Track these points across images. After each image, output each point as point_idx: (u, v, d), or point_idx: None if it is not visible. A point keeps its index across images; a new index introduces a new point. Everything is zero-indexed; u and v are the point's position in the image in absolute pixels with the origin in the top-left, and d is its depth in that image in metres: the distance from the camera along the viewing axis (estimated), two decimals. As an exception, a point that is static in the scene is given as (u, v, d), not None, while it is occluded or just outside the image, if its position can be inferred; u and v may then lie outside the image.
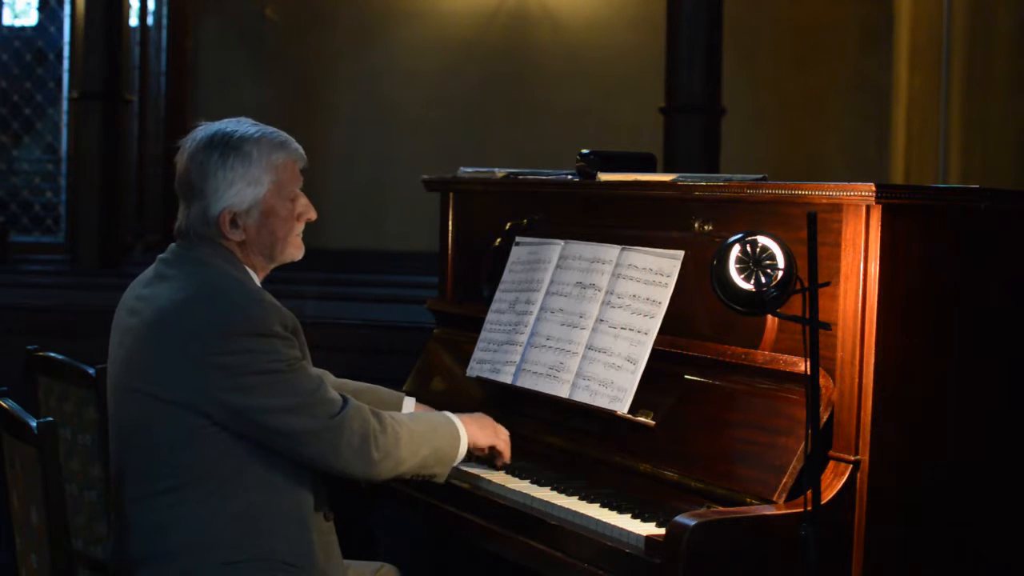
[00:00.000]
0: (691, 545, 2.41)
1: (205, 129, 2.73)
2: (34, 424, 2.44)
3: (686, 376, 2.93)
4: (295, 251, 2.80)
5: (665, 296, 2.98)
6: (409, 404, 3.24)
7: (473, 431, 2.96)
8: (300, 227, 2.79)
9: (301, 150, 2.79)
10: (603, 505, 2.79)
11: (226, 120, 2.77)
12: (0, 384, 2.77)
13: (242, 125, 2.74)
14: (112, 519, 2.79)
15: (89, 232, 8.06)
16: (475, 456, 3.02)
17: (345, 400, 2.69)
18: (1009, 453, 2.77)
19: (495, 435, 3.02)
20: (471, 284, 3.76)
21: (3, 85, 9.94)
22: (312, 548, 2.70)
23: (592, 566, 2.63)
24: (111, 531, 2.81)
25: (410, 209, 9.60)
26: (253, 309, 2.61)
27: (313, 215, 2.79)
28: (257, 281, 2.76)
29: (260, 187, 2.69)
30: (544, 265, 3.35)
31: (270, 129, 2.77)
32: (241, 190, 2.68)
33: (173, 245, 2.76)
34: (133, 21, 9.54)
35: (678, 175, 3.17)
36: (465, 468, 3.03)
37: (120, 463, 2.70)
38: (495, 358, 3.35)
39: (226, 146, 2.69)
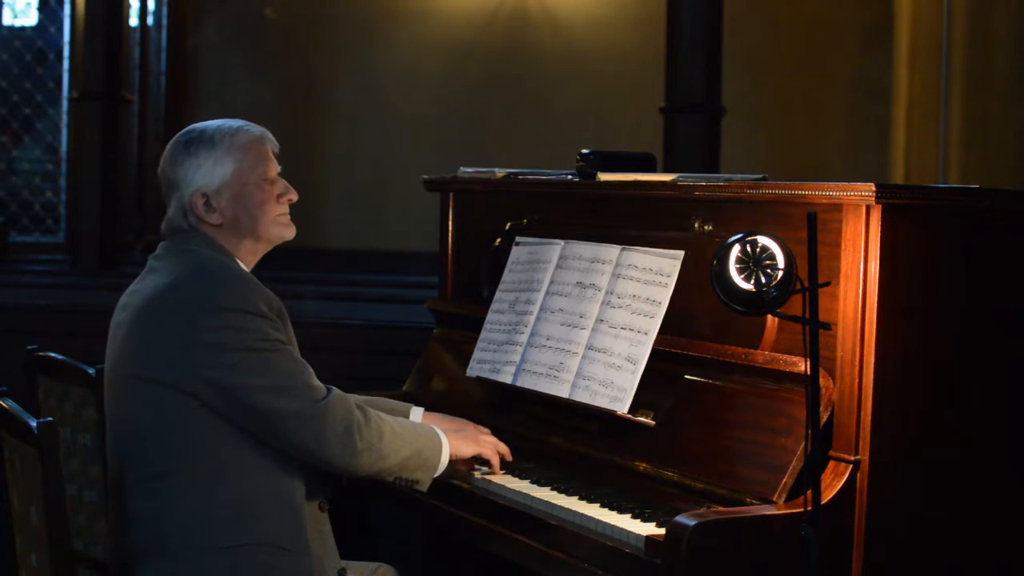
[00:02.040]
0: (691, 545, 2.41)
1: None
2: (34, 424, 2.44)
3: (686, 376, 2.93)
4: (283, 230, 2.82)
5: (665, 296, 2.98)
6: (417, 414, 3.18)
7: (455, 442, 2.93)
8: (283, 208, 2.82)
9: (269, 135, 2.85)
10: (603, 505, 2.79)
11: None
12: (0, 384, 2.78)
13: (205, 123, 2.83)
14: (111, 514, 2.80)
15: (89, 232, 8.05)
16: (456, 471, 2.98)
17: (329, 389, 2.71)
18: (1009, 453, 2.77)
19: (478, 444, 2.99)
20: (471, 284, 3.76)
21: (3, 85, 9.93)
22: (306, 534, 2.71)
23: (592, 566, 2.63)
24: (111, 527, 2.82)
25: (410, 209, 9.59)
26: (237, 286, 2.65)
27: (294, 196, 2.84)
28: (246, 268, 2.79)
29: (226, 166, 2.75)
30: (544, 265, 3.35)
31: (233, 120, 2.84)
32: (209, 170, 2.75)
33: (162, 243, 2.82)
34: (133, 21, 9.53)
35: (678, 175, 3.17)
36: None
37: (116, 456, 2.73)
38: (495, 358, 3.35)
39: (189, 139, 2.79)
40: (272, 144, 2.84)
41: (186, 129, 2.82)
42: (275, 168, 2.82)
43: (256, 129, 2.82)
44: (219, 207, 2.75)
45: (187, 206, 2.75)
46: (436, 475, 2.88)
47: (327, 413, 2.66)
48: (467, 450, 2.96)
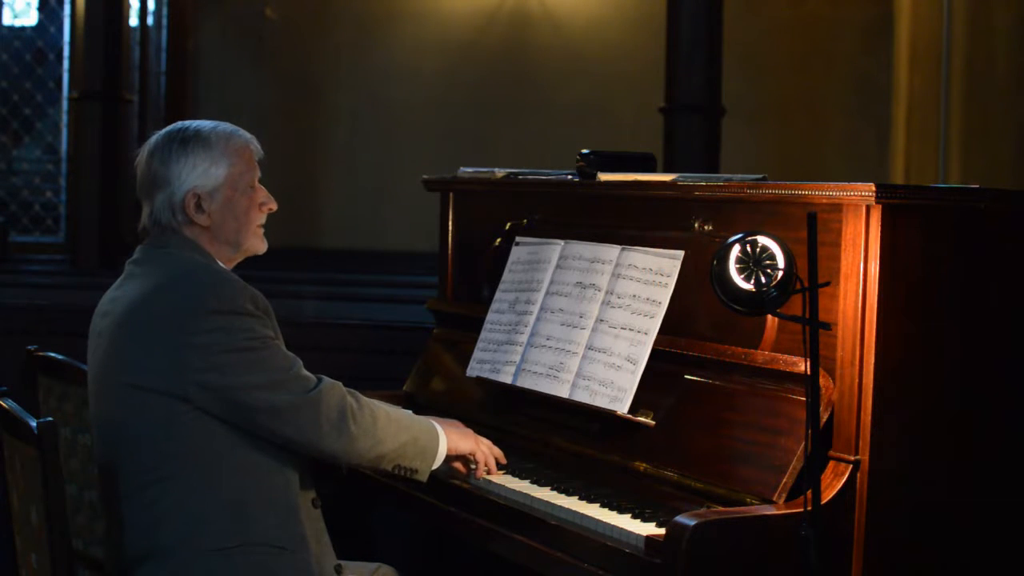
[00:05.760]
0: (691, 545, 2.41)
1: (161, 131, 2.83)
2: (34, 424, 2.44)
3: (686, 376, 2.93)
4: (259, 243, 2.83)
5: (665, 296, 2.98)
6: None
7: (452, 435, 2.93)
8: (262, 218, 2.83)
9: (255, 141, 2.85)
10: (603, 505, 2.79)
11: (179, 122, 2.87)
12: (0, 384, 2.77)
13: (196, 122, 2.83)
14: (105, 520, 2.80)
15: (89, 232, 8.07)
16: (455, 472, 2.98)
17: (319, 378, 2.71)
18: (1009, 453, 2.77)
19: (476, 443, 2.98)
20: (471, 284, 3.76)
21: (3, 85, 9.94)
22: (303, 531, 2.71)
23: (592, 566, 2.63)
24: (105, 532, 2.82)
25: (410, 209, 9.59)
26: (221, 288, 2.64)
27: (274, 206, 2.85)
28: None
29: (222, 168, 2.75)
30: (544, 265, 3.35)
31: (223, 123, 2.84)
32: (206, 170, 2.74)
33: (140, 246, 2.80)
34: (133, 21, 9.53)
35: (678, 175, 3.17)
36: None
37: (106, 463, 2.71)
38: (495, 358, 3.35)
39: (184, 137, 2.77)
40: (257, 151, 2.85)
41: (177, 127, 2.80)
42: (258, 175, 2.83)
43: (246, 134, 2.83)
44: (209, 209, 2.74)
45: (177, 205, 2.73)
46: (434, 467, 2.87)
47: (320, 401, 2.67)
48: (465, 445, 2.95)
